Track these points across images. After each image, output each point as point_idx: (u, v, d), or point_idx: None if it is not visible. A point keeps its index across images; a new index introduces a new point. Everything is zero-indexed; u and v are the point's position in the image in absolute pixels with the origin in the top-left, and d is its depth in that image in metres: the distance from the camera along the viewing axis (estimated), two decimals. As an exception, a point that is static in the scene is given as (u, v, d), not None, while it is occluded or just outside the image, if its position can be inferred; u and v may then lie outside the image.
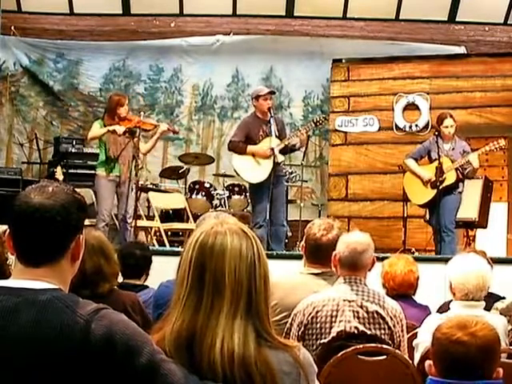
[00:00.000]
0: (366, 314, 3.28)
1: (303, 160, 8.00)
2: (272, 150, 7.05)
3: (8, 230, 1.71)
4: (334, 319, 3.26)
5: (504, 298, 4.03)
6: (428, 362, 2.31)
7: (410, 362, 3.23)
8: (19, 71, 10.51)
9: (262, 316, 1.75)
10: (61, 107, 10.56)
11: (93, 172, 9.00)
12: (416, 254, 7.57)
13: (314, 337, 3.27)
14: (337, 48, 10.17)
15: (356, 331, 3.25)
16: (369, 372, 3.20)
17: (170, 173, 9.33)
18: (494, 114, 9.12)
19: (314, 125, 7.35)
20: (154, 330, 1.76)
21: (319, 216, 9.37)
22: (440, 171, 6.99)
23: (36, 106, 10.56)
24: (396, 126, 9.45)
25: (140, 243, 5.11)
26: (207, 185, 8.80)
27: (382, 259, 4.42)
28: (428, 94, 9.36)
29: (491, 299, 3.76)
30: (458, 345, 2.18)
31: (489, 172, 8.49)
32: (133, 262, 4.25)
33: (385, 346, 3.23)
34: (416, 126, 9.36)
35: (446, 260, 3.66)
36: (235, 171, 7.50)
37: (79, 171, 9.12)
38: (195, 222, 5.96)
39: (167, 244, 7.60)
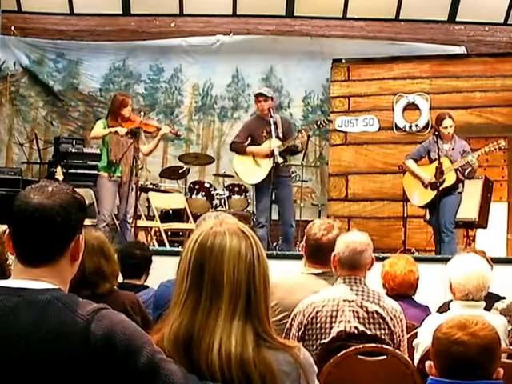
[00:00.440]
0: (365, 314, 3.28)
1: (303, 160, 8.01)
2: (272, 150, 7.06)
3: (8, 230, 1.71)
4: (333, 319, 3.26)
5: (504, 297, 4.03)
6: (428, 363, 2.31)
7: (410, 362, 3.23)
8: (19, 71, 10.51)
9: (262, 317, 1.74)
10: (61, 107, 10.56)
11: (93, 172, 9.04)
12: (416, 254, 7.56)
13: (314, 337, 3.27)
14: (337, 48, 10.17)
15: (356, 331, 3.25)
16: (369, 372, 3.20)
17: (169, 173, 9.33)
18: (494, 114, 9.12)
19: (316, 127, 7.46)
20: (153, 330, 1.76)
21: (319, 216, 9.37)
22: (440, 172, 6.99)
23: (36, 106, 10.56)
24: (396, 125, 9.46)
25: (140, 243, 5.11)
26: (207, 185, 8.80)
27: (382, 259, 4.42)
28: (428, 93, 9.37)
29: (491, 299, 3.75)
30: (458, 345, 2.18)
31: (489, 172, 8.49)
32: (133, 261, 4.25)
33: (385, 346, 3.23)
34: (416, 125, 9.36)
35: (446, 260, 3.66)
36: (234, 171, 7.58)
37: (79, 171, 9.12)
38: (195, 222, 5.97)
39: (167, 244, 7.60)
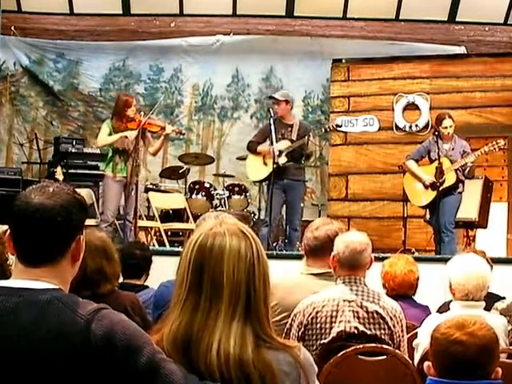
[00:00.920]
0: (365, 314, 3.28)
1: (303, 160, 8.01)
2: (272, 150, 7.17)
3: (8, 230, 1.71)
4: (333, 319, 3.26)
5: (504, 298, 4.03)
6: (427, 363, 2.31)
7: (410, 362, 3.23)
8: (19, 71, 10.51)
9: (262, 317, 1.74)
10: (61, 107, 10.56)
11: (93, 172, 9.07)
12: (416, 254, 7.56)
13: (314, 337, 3.27)
14: (337, 48, 10.17)
15: (356, 331, 3.25)
16: (369, 372, 3.20)
17: (169, 173, 9.33)
18: (494, 114, 9.12)
19: (324, 131, 7.78)
20: (153, 330, 1.76)
21: (319, 216, 9.37)
22: (440, 172, 6.98)
23: (36, 106, 10.56)
24: (396, 125, 9.46)
25: (140, 243, 5.12)
26: (207, 185, 8.80)
27: (382, 259, 4.43)
28: (428, 94, 9.37)
29: (491, 299, 3.75)
30: (456, 345, 2.19)
31: (489, 172, 8.48)
32: (133, 261, 4.25)
33: (385, 346, 3.23)
34: (416, 125, 9.36)
35: (446, 260, 3.66)
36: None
37: (79, 171, 9.11)
38: (195, 222, 5.97)
39: (167, 244, 7.60)
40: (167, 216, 8.55)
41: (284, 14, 10.58)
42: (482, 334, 2.20)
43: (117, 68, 10.65)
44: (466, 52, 10.09)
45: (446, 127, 7.09)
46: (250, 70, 10.60)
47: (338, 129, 8.51)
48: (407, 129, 9.40)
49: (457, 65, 9.42)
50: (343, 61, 9.77)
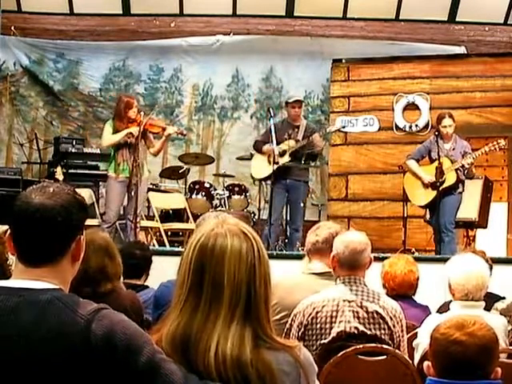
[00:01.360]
0: (365, 314, 3.28)
1: (303, 160, 8.02)
2: (272, 150, 7.25)
3: (9, 231, 1.71)
4: (333, 319, 3.26)
5: (504, 298, 4.03)
6: (426, 363, 2.31)
7: (410, 362, 3.23)
8: (19, 71, 10.51)
9: (262, 318, 1.74)
10: (61, 107, 10.56)
11: (93, 172, 9.07)
12: (416, 254, 7.56)
13: (314, 337, 3.27)
14: (337, 48, 10.17)
15: (356, 331, 3.26)
16: (369, 372, 3.20)
17: (169, 173, 9.33)
18: (494, 114, 9.12)
19: (326, 133, 8.03)
20: (153, 330, 1.76)
21: (319, 216, 9.39)
22: (440, 172, 6.98)
23: (36, 106, 10.56)
24: (396, 125, 9.46)
25: (140, 243, 5.12)
26: (207, 185, 8.80)
27: (382, 259, 4.43)
28: (428, 94, 9.36)
29: (491, 299, 3.76)
30: (456, 345, 2.19)
31: (489, 172, 8.48)
32: (133, 262, 4.25)
33: (385, 346, 3.23)
34: (416, 126, 9.36)
35: (446, 260, 3.66)
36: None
37: (79, 171, 9.11)
38: (195, 222, 5.97)
39: (167, 244, 7.60)
40: (167, 216, 8.55)
41: (284, 14, 10.58)
42: (481, 334, 2.20)
43: (117, 68, 10.65)
44: (466, 52, 10.09)
45: (446, 126, 7.09)
46: (249, 70, 10.60)
47: (342, 130, 8.61)
48: (407, 129, 9.40)
49: (457, 65, 9.42)
50: (343, 61, 9.77)
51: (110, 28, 10.62)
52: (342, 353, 3.16)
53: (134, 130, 6.77)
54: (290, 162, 7.38)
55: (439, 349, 2.23)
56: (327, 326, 3.26)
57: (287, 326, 3.35)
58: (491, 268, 4.12)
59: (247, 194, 8.82)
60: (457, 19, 10.38)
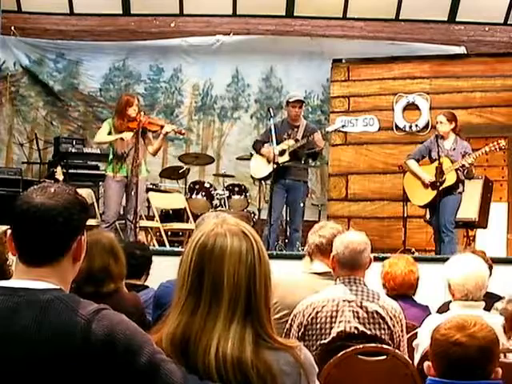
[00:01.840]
0: (365, 314, 3.28)
1: (303, 160, 8.03)
2: (272, 151, 7.26)
3: (9, 231, 1.71)
4: (333, 320, 3.26)
5: (504, 298, 4.03)
6: (427, 363, 2.31)
7: (410, 362, 3.23)
8: (19, 71, 10.51)
9: (262, 318, 1.74)
10: (61, 107, 10.56)
11: (93, 172, 9.08)
12: (416, 254, 7.56)
13: (314, 337, 3.27)
14: (337, 48, 10.17)
15: (356, 331, 3.26)
16: (369, 372, 3.20)
17: (169, 173, 9.33)
18: (494, 114, 9.12)
19: (326, 133, 8.06)
20: (152, 331, 1.76)
21: (319, 216, 9.38)
22: (440, 172, 6.98)
23: (36, 106, 10.56)
24: (396, 126, 9.46)
25: (140, 243, 5.12)
26: (207, 185, 8.80)
27: (382, 259, 4.43)
28: (428, 94, 9.37)
29: (491, 299, 3.76)
30: (456, 346, 2.19)
31: (489, 172, 8.48)
32: (133, 262, 4.25)
33: (385, 346, 3.23)
34: (416, 126, 9.36)
35: (446, 260, 3.67)
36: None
37: (79, 171, 9.12)
38: (195, 222, 5.97)
39: (167, 244, 7.60)
40: (167, 216, 8.55)
41: (284, 13, 10.58)
42: (482, 335, 2.20)
43: (117, 68, 10.65)
44: (465, 52, 10.09)
45: (437, 122, 7.11)
46: (249, 70, 10.60)
47: (342, 129, 8.61)
48: (407, 129, 9.40)
49: (457, 65, 9.43)
50: (343, 61, 9.77)
51: (109, 28, 10.63)
52: (341, 353, 3.16)
53: (125, 135, 6.78)
54: (289, 162, 7.38)
55: (440, 350, 2.23)
56: (327, 326, 3.26)
57: (287, 326, 3.35)
58: (491, 268, 4.12)
59: (247, 194, 8.82)
60: (457, 19, 10.38)
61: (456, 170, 6.99)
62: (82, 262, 1.78)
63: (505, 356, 3.06)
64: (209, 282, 1.72)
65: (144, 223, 7.67)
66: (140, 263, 4.33)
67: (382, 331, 3.29)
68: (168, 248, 7.33)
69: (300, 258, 3.84)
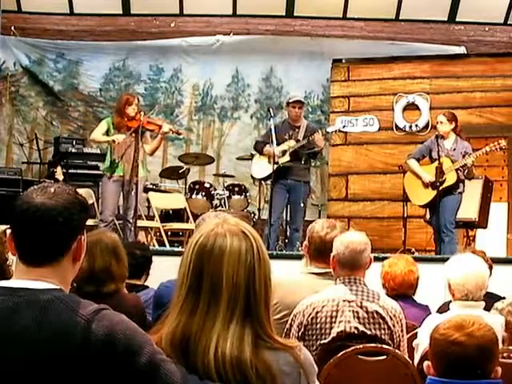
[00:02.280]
0: (365, 314, 3.28)
1: (304, 160, 8.03)
2: (273, 151, 7.30)
3: (9, 231, 1.71)
4: (333, 320, 3.26)
5: (504, 298, 4.03)
6: (426, 363, 2.31)
7: (410, 362, 3.23)
8: (19, 71, 10.51)
9: (262, 318, 1.74)
10: (61, 107, 10.56)
11: (93, 172, 9.08)
12: (416, 254, 7.57)
13: (314, 337, 3.27)
14: (337, 48, 10.17)
15: (356, 331, 3.26)
16: (369, 372, 3.20)
17: (169, 173, 9.33)
18: (494, 114, 9.12)
19: (326, 133, 8.07)
20: (152, 331, 1.76)
21: (319, 216, 9.37)
22: (440, 171, 6.98)
23: (36, 106, 10.56)
24: (396, 126, 9.46)
25: (140, 243, 5.12)
26: (207, 185, 8.80)
27: (382, 259, 4.43)
28: (428, 94, 9.37)
29: (491, 299, 3.75)
30: (455, 346, 2.19)
31: (489, 172, 8.48)
32: (133, 262, 4.25)
33: (385, 346, 3.23)
34: (416, 126, 9.36)
35: (446, 260, 3.67)
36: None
37: (79, 171, 9.12)
38: (195, 222, 5.97)
39: (167, 244, 7.60)
40: (167, 216, 8.55)
41: (284, 14, 10.58)
42: (480, 334, 2.20)
43: (117, 68, 10.65)
44: (465, 52, 10.09)
45: (437, 122, 7.12)
46: (249, 70, 10.60)
47: (342, 130, 8.62)
48: (407, 129, 9.40)
49: (457, 65, 9.43)
50: (343, 61, 9.77)
51: (109, 28, 10.63)
52: (341, 353, 3.16)
53: (117, 137, 6.82)
54: (289, 162, 7.39)
55: (439, 349, 2.23)
56: (327, 326, 3.26)
57: (287, 326, 3.35)
58: (491, 268, 4.12)
59: (247, 194, 8.83)
60: (457, 19, 10.38)
61: (456, 170, 6.99)
62: (82, 262, 1.78)
63: (509, 357, 3.05)
64: (207, 282, 1.72)
65: (144, 223, 7.67)
66: (140, 263, 4.33)
67: (382, 331, 3.29)
68: (168, 248, 7.33)
69: (300, 258, 3.84)
